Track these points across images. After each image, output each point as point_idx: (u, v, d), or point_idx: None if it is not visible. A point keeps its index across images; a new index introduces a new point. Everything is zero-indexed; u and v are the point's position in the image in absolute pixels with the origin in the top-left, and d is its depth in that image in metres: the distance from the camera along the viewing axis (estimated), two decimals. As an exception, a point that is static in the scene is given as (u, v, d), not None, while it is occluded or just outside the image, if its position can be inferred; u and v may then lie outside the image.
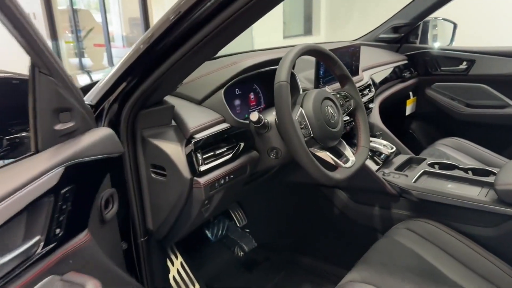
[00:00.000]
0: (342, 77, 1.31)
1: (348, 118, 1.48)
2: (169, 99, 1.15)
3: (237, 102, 1.35)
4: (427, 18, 2.32)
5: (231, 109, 1.25)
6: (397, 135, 1.91)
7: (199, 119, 1.12)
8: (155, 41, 0.90)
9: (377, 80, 1.94)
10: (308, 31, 6.41)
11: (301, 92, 1.41)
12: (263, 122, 1.14)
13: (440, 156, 1.97)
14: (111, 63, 6.69)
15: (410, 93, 2.33)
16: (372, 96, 1.79)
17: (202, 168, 1.07)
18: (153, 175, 1.10)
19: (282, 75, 1.06)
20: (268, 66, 1.34)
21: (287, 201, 1.85)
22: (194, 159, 1.06)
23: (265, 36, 4.79)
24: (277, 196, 1.86)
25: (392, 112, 2.09)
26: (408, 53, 2.34)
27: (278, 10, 5.31)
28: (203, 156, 1.08)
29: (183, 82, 1.18)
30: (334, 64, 1.28)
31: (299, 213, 1.81)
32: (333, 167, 1.16)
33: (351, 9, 5.87)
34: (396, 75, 2.17)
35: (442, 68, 2.28)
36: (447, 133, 2.26)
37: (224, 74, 1.21)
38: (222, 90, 1.18)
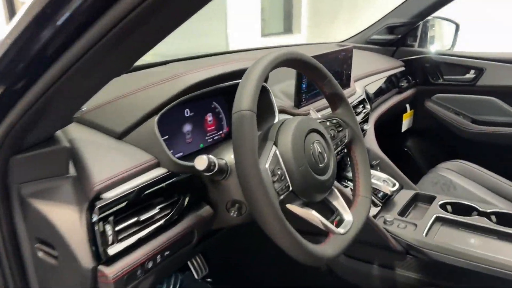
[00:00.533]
0: (334, 98, 0.93)
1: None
2: (71, 131, 0.74)
3: (187, 127, 0.96)
4: (428, 18, 1.97)
5: (176, 140, 0.86)
6: (391, 155, 1.55)
7: (115, 164, 0.72)
8: (29, 30, 0.51)
9: (371, 92, 1.57)
10: (288, 29, 5.97)
11: (276, 117, 1.03)
12: (217, 167, 0.75)
13: (446, 184, 1.64)
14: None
15: (407, 105, 1.97)
16: (367, 114, 1.41)
17: (113, 249, 0.67)
18: (40, 254, 0.70)
19: (244, 101, 0.68)
20: (227, 80, 0.94)
21: (260, 245, 1.45)
22: (98, 236, 0.65)
23: (242, 34, 4.38)
24: (247, 239, 1.46)
25: (385, 128, 1.72)
26: (405, 58, 1.97)
27: (256, 5, 4.89)
28: (117, 228, 0.68)
29: (92, 105, 0.78)
30: (323, 80, 0.89)
31: (274, 261, 1.42)
32: (321, 233, 0.79)
33: (338, 4, 5.41)
34: (393, 85, 1.80)
35: (445, 76, 1.93)
36: (450, 153, 1.92)
37: (159, 93, 0.81)
38: (156, 118, 0.79)
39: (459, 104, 1.92)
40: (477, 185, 1.62)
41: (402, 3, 1.90)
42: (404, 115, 1.96)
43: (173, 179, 0.79)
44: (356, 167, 0.94)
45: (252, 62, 0.75)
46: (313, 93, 1.22)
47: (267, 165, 0.71)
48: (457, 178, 1.66)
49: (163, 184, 0.77)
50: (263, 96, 1.04)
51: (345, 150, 0.98)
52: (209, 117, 1.03)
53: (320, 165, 0.80)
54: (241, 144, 0.66)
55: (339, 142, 0.92)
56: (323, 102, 1.22)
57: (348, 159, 1.01)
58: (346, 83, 1.38)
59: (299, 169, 0.75)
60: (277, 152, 0.75)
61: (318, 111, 1.21)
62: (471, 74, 1.87)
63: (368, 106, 1.40)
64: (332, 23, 5.11)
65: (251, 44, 4.53)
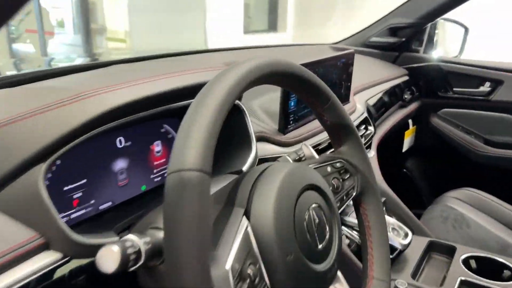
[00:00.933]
0: (339, 130, 0.63)
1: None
2: None
3: (119, 164, 0.67)
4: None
5: (101, 184, 0.59)
6: (388, 177, 1.26)
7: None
8: None
9: (373, 108, 1.28)
10: (272, 26, 5.60)
11: (252, 149, 0.72)
12: (143, 257, 0.43)
13: (458, 220, 1.38)
14: (43, 52, 5.72)
15: (410, 121, 1.68)
16: (370, 137, 1.11)
17: None
18: None
19: (189, 154, 0.37)
20: (178, 99, 0.63)
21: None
22: None
23: (222, 30, 4.05)
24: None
25: (384, 148, 1.43)
26: (409, 66, 1.68)
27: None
28: None
29: None
30: (323, 103, 0.59)
31: None
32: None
33: (331, 0, 5.02)
34: (396, 98, 1.51)
35: (454, 89, 1.65)
36: (457, 179, 1.65)
37: (51, 124, 0.48)
38: (42, 167, 0.46)
39: (470, 121, 1.64)
40: (494, 221, 1.37)
41: (408, 0, 1.61)
42: (406, 132, 1.67)
43: (72, 270, 0.47)
44: (368, 231, 0.64)
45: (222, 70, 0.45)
46: (305, 112, 0.91)
47: (228, 265, 0.40)
48: (469, 211, 1.40)
49: (57, 278, 0.46)
50: (234, 118, 0.73)
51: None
52: (157, 147, 0.72)
53: (319, 247, 0.50)
54: (178, 235, 0.35)
55: (344, 197, 0.61)
56: (317, 124, 0.92)
57: (350, 205, 0.71)
58: (345, 98, 1.08)
59: (285, 260, 0.45)
60: (250, 230, 0.45)
61: (311, 137, 0.91)
62: (486, 87, 1.59)
63: (371, 128, 1.10)
64: (322, 22, 4.76)
65: (233, 41, 4.20)
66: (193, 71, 0.65)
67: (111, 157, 0.64)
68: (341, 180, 0.61)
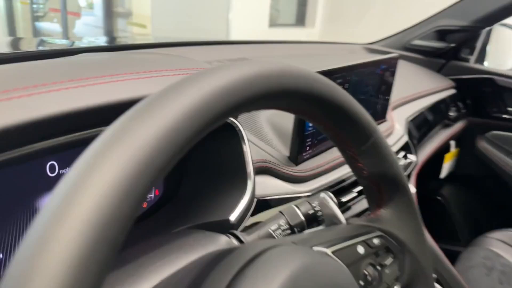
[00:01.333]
0: (381, 183, 0.39)
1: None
2: None
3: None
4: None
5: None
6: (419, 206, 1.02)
7: None
8: None
9: (415, 128, 1.02)
10: (300, 20, 5.27)
11: (247, 190, 0.49)
12: None
13: (506, 274, 1.18)
14: (65, 32, 5.60)
15: (452, 143, 1.42)
16: (411, 170, 0.86)
17: None
18: None
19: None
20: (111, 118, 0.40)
21: None
22: None
23: (246, 21, 3.80)
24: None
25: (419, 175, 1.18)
26: (457, 77, 1.42)
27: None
28: None
29: None
30: (361, 143, 0.35)
31: None
32: None
33: None
34: (441, 116, 1.25)
35: (509, 108, 1.38)
36: (503, 216, 1.39)
37: None
38: None
39: (525, 149, 1.37)
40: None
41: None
42: (447, 155, 1.41)
43: None
44: None
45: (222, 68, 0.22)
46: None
47: None
48: (519, 262, 1.15)
49: None
50: (225, 142, 0.50)
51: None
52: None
53: None
54: None
55: None
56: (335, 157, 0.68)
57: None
58: (381, 115, 0.84)
59: None
60: None
61: (333, 169, 0.67)
62: (550, 109, 1.32)
63: (413, 157, 0.85)
64: (355, 19, 4.42)
65: (256, 33, 3.95)
66: (157, 74, 0.42)
67: (38, 190, 0.43)
68: (378, 267, 0.38)
